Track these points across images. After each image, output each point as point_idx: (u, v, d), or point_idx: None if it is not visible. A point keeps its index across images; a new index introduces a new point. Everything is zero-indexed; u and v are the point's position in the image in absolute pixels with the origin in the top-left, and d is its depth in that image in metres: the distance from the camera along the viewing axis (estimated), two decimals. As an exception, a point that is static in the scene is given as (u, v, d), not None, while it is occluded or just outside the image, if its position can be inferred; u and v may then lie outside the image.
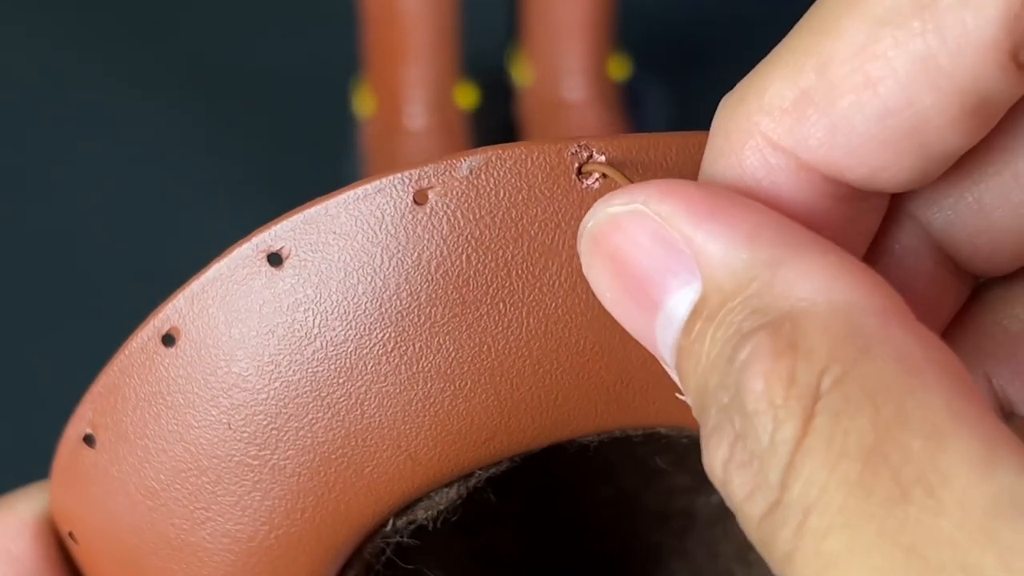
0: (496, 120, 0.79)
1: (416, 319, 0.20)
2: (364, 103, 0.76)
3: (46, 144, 0.80)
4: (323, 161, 0.79)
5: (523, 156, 0.20)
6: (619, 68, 0.78)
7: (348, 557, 0.22)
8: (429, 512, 0.22)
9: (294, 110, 0.82)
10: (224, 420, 0.21)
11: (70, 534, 0.23)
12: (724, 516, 0.30)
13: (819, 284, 0.16)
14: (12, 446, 0.62)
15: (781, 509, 0.15)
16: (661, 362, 0.18)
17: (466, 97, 0.76)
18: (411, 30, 0.72)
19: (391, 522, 0.22)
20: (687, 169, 0.20)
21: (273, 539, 0.21)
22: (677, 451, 0.29)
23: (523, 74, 0.78)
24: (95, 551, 0.22)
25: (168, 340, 0.21)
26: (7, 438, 0.67)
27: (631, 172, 0.20)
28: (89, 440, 0.22)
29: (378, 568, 0.24)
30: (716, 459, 0.16)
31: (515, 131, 0.78)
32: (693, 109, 0.80)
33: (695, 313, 0.17)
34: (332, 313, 0.20)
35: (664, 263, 0.18)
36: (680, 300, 0.17)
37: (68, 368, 0.73)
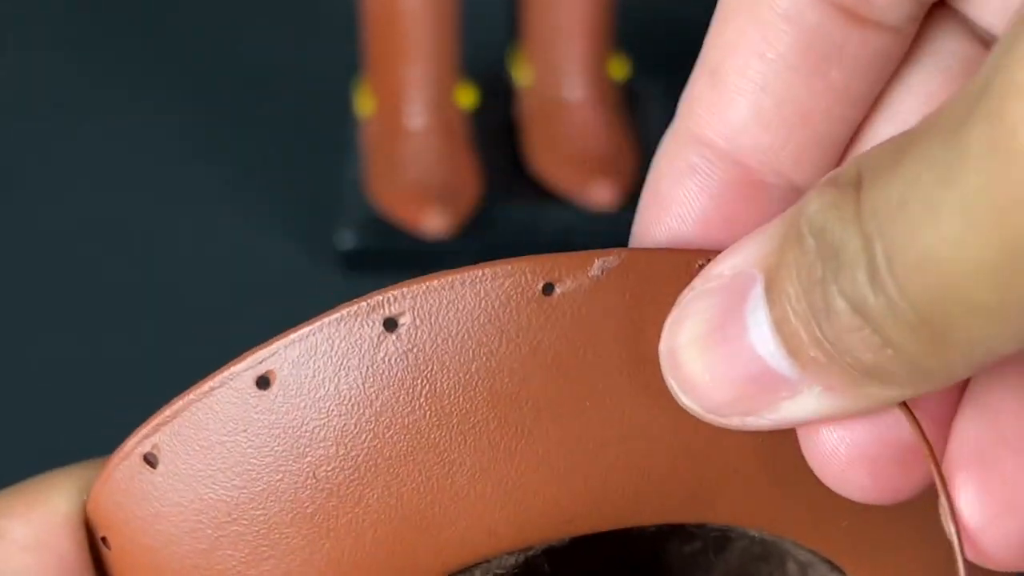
0: (496, 120, 0.79)
1: (523, 403, 0.21)
2: (364, 103, 0.76)
3: (46, 144, 0.80)
4: (323, 161, 0.79)
5: (655, 262, 0.21)
6: (619, 68, 0.78)
7: None
8: (487, 574, 0.22)
9: (294, 110, 0.82)
10: (310, 470, 0.21)
11: (103, 539, 0.23)
12: (694, 565, 0.30)
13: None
14: (11, 446, 0.62)
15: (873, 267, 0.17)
16: (778, 384, 0.19)
17: (466, 97, 0.76)
18: (411, 30, 0.72)
19: None
20: None
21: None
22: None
23: (523, 74, 0.78)
24: (132, 563, 0.23)
25: (263, 383, 0.21)
26: (5, 438, 0.67)
27: None
28: (151, 460, 0.22)
29: None
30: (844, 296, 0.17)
31: (515, 131, 0.78)
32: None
33: (767, 290, 0.18)
34: (441, 385, 0.21)
35: (726, 301, 0.19)
36: (754, 304, 0.18)
37: (67, 367, 0.73)
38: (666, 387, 0.20)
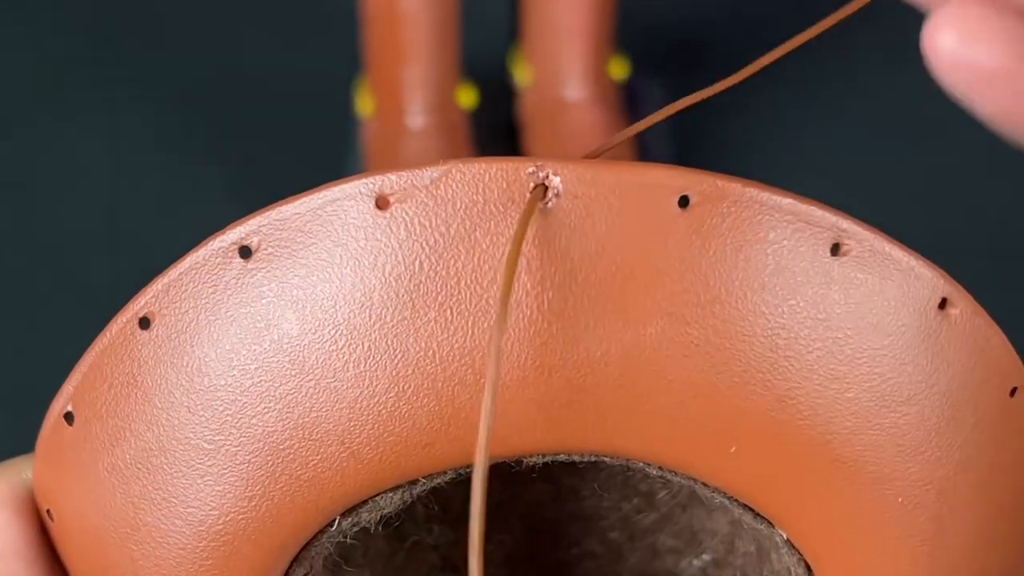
0: (496, 120, 0.79)
1: (367, 319, 0.21)
2: (364, 103, 0.76)
3: (46, 144, 0.80)
4: (324, 161, 0.79)
5: (482, 171, 0.21)
6: (619, 68, 0.78)
7: (295, 555, 0.23)
8: (373, 514, 0.23)
9: (295, 110, 0.82)
10: (186, 403, 0.21)
11: (48, 512, 0.23)
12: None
13: None
14: (12, 447, 0.62)
15: None
16: None
17: (466, 97, 0.76)
18: (411, 30, 0.72)
19: (337, 521, 0.22)
20: (636, 193, 0.21)
21: (221, 525, 0.22)
22: (661, 510, 0.29)
23: (523, 74, 0.78)
24: (68, 528, 0.23)
25: (144, 323, 0.22)
26: (7, 439, 0.67)
27: (585, 191, 0.21)
28: (69, 418, 0.23)
29: (324, 568, 0.24)
30: None
31: (515, 131, 0.78)
32: (693, 109, 0.80)
33: None
34: (290, 307, 0.21)
35: None
36: None
37: (66, 368, 0.73)
38: (511, 300, 0.20)
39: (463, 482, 0.30)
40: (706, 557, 0.29)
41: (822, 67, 0.81)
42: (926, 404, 0.21)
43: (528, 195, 0.20)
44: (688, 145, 0.78)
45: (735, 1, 0.87)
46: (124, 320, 0.22)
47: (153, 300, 0.22)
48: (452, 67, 0.74)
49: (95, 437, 0.22)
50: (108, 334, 0.22)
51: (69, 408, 0.23)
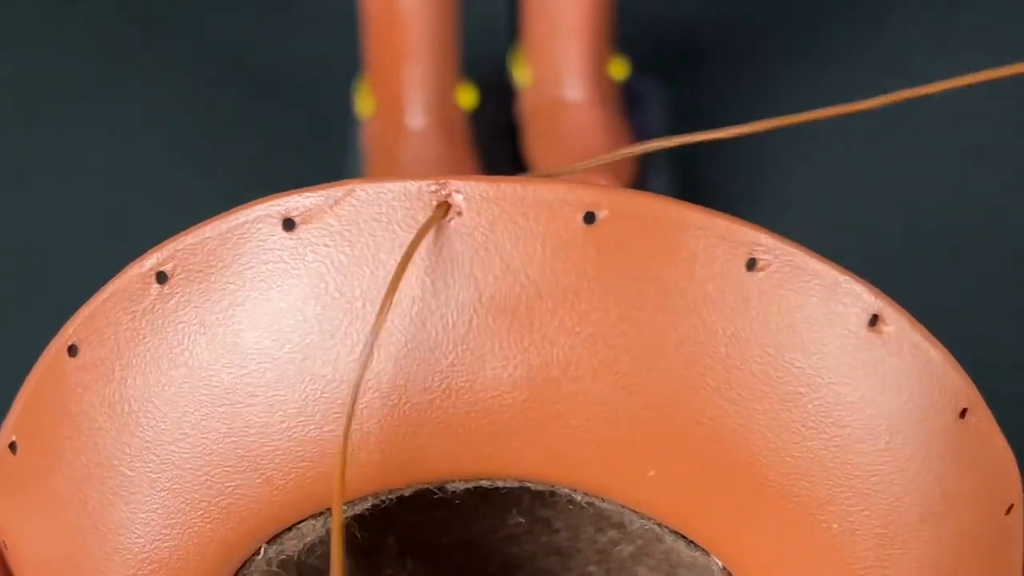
0: (496, 120, 0.79)
1: (276, 343, 0.21)
2: (364, 103, 0.76)
3: (46, 144, 0.81)
4: (324, 161, 0.79)
5: (384, 190, 0.20)
6: (619, 68, 0.78)
7: None
8: (297, 542, 0.22)
9: (295, 110, 0.82)
10: (109, 430, 0.21)
11: (4, 543, 0.23)
12: None
13: None
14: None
15: None
16: None
17: (466, 97, 0.77)
18: (411, 30, 0.72)
19: (263, 550, 0.22)
20: (541, 210, 0.21)
21: (147, 554, 0.22)
22: (637, 542, 0.29)
23: (523, 74, 0.78)
24: (20, 558, 0.23)
25: (72, 351, 0.22)
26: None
27: (488, 208, 0.20)
28: (13, 447, 0.23)
29: None
30: None
31: (515, 131, 0.78)
32: (693, 109, 0.80)
33: None
34: (203, 334, 0.21)
35: None
36: None
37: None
38: (412, 317, 0.20)
39: (435, 512, 0.30)
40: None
41: (825, 69, 0.81)
42: (858, 426, 0.21)
43: (430, 212, 0.20)
44: (689, 147, 0.78)
45: (735, 1, 0.87)
46: (56, 348, 0.22)
47: (81, 327, 0.22)
48: (452, 67, 0.75)
49: (36, 466, 0.22)
50: (43, 362, 0.22)
51: (13, 438, 0.22)
